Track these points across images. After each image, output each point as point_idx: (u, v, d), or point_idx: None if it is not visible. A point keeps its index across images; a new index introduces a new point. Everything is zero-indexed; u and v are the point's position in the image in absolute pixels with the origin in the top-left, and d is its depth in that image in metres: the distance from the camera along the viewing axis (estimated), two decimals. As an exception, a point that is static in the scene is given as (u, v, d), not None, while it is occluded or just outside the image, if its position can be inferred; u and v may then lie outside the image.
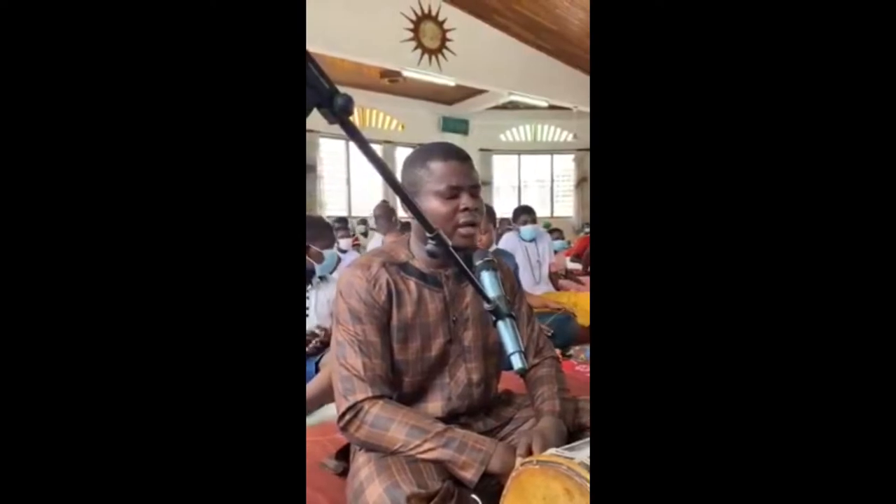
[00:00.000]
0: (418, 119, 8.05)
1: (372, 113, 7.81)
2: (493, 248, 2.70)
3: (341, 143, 7.52)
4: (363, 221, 6.48)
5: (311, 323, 1.98)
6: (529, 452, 0.84)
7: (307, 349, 1.85)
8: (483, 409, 1.09)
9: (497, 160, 8.95)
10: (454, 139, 7.52)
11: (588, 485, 0.68)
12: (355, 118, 0.66)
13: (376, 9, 5.29)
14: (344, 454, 1.20)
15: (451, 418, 1.01)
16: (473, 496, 0.85)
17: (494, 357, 1.08)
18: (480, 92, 7.25)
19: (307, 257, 2.03)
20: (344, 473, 1.14)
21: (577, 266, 5.07)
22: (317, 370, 1.79)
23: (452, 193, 0.96)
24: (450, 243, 0.75)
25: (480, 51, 6.10)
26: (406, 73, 5.94)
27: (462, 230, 0.97)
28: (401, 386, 1.00)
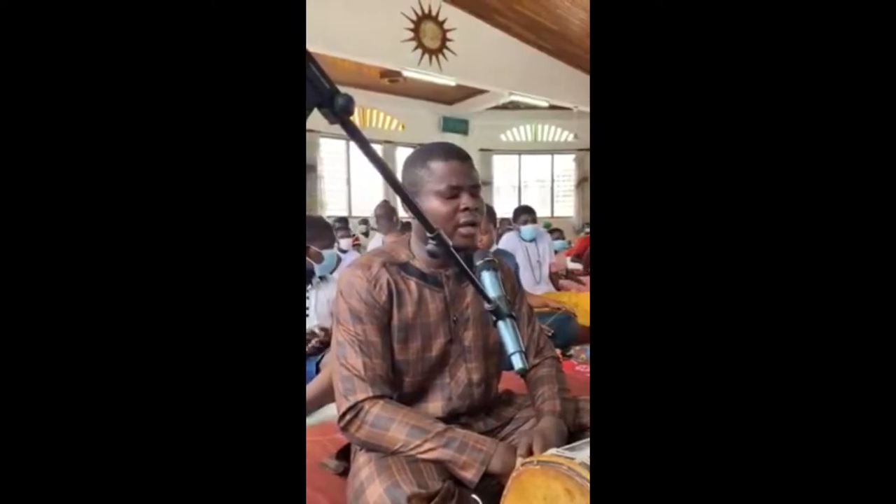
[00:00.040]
0: (419, 119, 8.05)
1: (372, 113, 7.81)
2: (494, 248, 2.70)
3: (342, 143, 7.52)
4: (364, 221, 6.48)
5: (311, 323, 1.98)
6: (530, 452, 0.84)
7: (307, 349, 1.85)
8: (483, 409, 1.09)
9: (497, 160, 8.94)
10: (454, 139, 7.53)
11: (589, 485, 0.68)
12: (356, 118, 0.66)
13: (376, 9, 5.28)
14: (344, 454, 1.20)
15: (451, 418, 1.01)
16: (474, 496, 0.85)
17: (495, 357, 1.08)
18: (481, 92, 7.24)
19: (307, 257, 2.03)
20: (344, 473, 1.14)
21: (578, 266, 5.07)
22: (317, 370, 1.79)
23: (453, 193, 0.96)
24: (450, 243, 0.75)
25: (481, 51, 6.09)
26: (406, 73, 5.94)
27: (462, 230, 0.97)
28: (401, 386, 1.00)
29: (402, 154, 7.64)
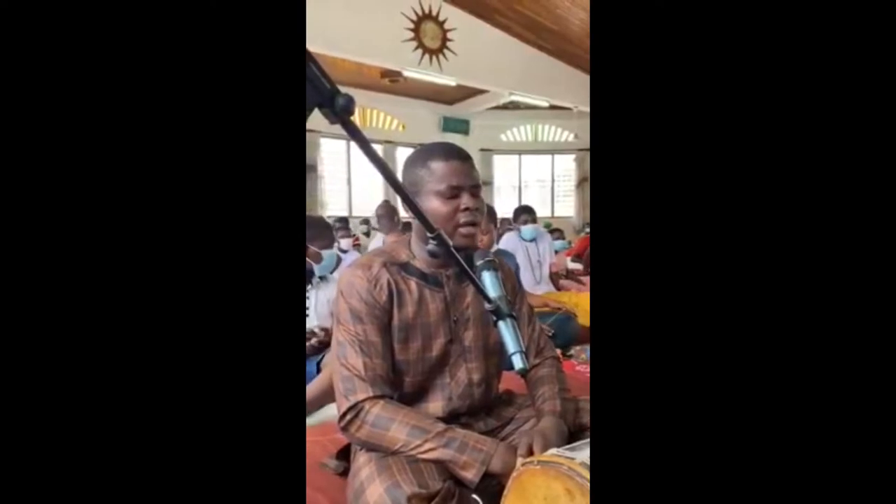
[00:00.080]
0: (419, 119, 8.05)
1: (373, 113, 7.80)
2: (494, 248, 2.70)
3: (342, 142, 7.51)
4: (365, 221, 6.48)
5: (311, 323, 1.98)
6: (530, 452, 0.84)
7: (307, 349, 1.85)
8: (484, 409, 1.09)
9: (498, 160, 8.94)
10: (455, 139, 7.52)
11: (589, 485, 0.68)
12: (356, 118, 0.66)
13: (377, 9, 5.28)
14: (344, 454, 1.20)
15: (451, 418, 1.01)
16: (474, 496, 0.85)
17: (495, 357, 1.08)
18: (481, 92, 7.24)
19: (306, 257, 2.03)
20: (344, 473, 1.14)
21: (578, 266, 5.07)
22: (318, 370, 1.79)
23: (453, 193, 0.96)
24: (451, 243, 0.75)
25: (481, 51, 6.09)
26: (407, 73, 5.94)
27: (463, 230, 0.97)
28: (402, 386, 1.00)
29: (402, 154, 7.63)
